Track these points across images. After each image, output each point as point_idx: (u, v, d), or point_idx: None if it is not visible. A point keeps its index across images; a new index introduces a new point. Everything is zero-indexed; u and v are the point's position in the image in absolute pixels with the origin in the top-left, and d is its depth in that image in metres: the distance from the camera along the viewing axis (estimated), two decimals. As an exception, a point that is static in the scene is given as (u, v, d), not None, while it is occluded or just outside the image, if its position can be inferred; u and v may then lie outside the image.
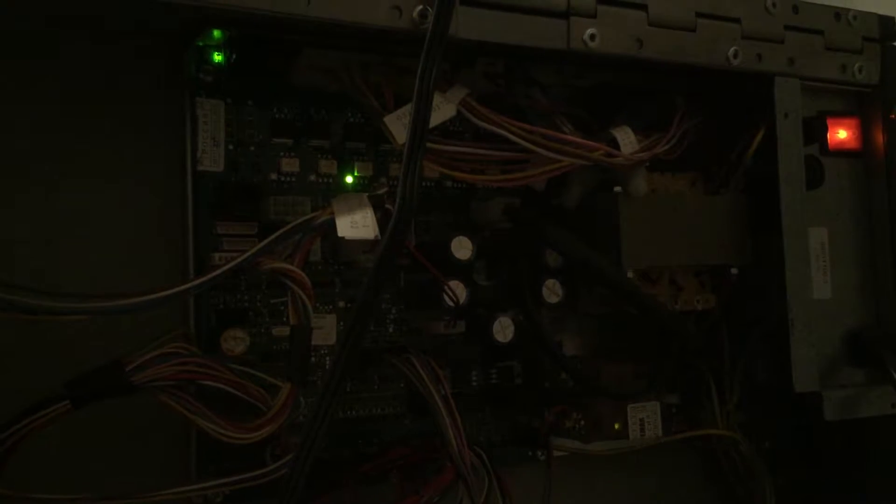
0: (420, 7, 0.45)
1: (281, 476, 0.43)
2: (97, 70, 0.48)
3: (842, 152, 0.63)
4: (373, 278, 0.40)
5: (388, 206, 0.46)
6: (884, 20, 0.62)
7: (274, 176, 0.50)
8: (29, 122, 0.46)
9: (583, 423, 0.59)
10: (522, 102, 0.55)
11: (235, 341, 0.47)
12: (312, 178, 0.52)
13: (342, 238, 0.43)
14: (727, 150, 0.60)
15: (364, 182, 0.53)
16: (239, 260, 0.41)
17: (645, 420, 0.59)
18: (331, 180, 0.52)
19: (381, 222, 0.45)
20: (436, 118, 0.47)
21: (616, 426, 0.59)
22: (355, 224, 0.43)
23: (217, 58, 0.48)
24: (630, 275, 0.54)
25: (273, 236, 0.43)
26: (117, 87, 0.48)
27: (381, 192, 0.47)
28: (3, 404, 0.40)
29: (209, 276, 0.40)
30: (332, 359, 0.40)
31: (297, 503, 0.40)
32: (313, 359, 0.50)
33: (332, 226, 0.43)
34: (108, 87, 0.48)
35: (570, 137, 0.51)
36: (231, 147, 0.49)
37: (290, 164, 0.51)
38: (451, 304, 0.51)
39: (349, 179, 0.53)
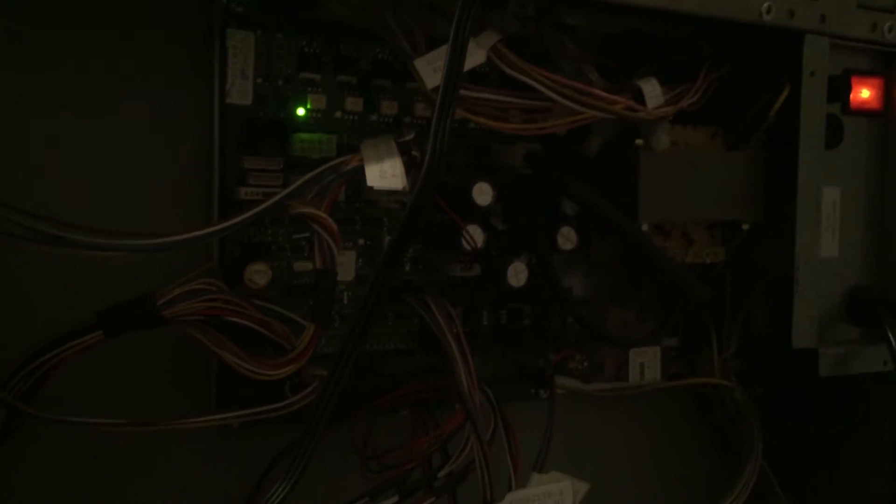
0: (457, -52, 0.44)
1: (301, 407, 0.45)
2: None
3: (863, 112, 0.63)
4: (401, 232, 0.41)
5: (414, 152, 0.47)
6: (922, -22, 0.61)
7: (301, 112, 0.50)
8: (56, 52, 0.46)
9: (585, 364, 0.61)
10: (551, 47, 0.55)
11: (259, 274, 0.48)
12: (338, 114, 0.52)
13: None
14: (750, 103, 0.60)
15: (389, 121, 0.53)
16: (269, 203, 0.42)
17: (645, 364, 0.61)
18: (356, 118, 0.52)
19: (407, 167, 0.46)
20: (466, 64, 0.47)
21: (617, 369, 0.61)
22: (384, 174, 0.43)
23: (249, -11, 0.48)
24: (644, 227, 0.55)
25: (302, 180, 0.43)
26: (146, 17, 0.48)
27: (408, 137, 0.47)
28: (32, 332, 0.41)
29: (240, 217, 0.41)
30: (357, 307, 0.41)
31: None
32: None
33: (360, 173, 0.44)
34: (136, 17, 0.47)
35: (594, 90, 0.51)
36: (259, 80, 0.49)
37: (316, 101, 0.51)
38: (468, 248, 0.52)
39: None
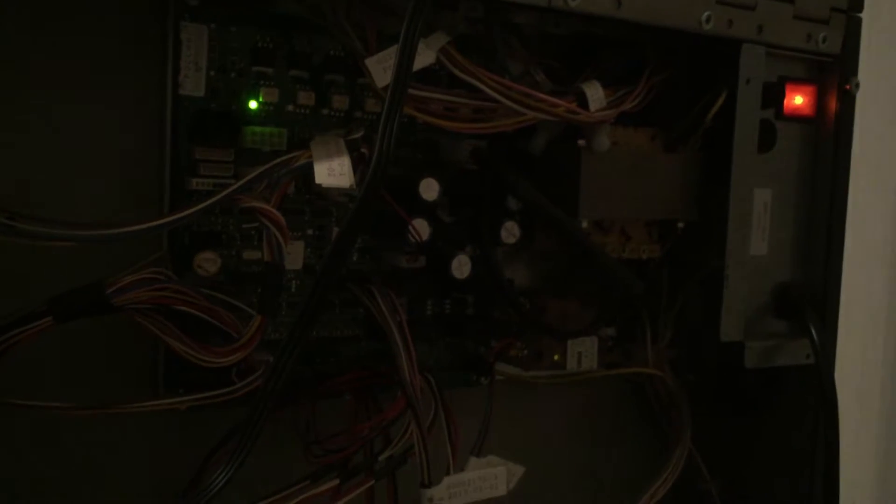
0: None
1: (247, 392, 0.47)
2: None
3: (796, 118, 0.66)
4: (348, 227, 0.42)
5: (363, 149, 0.48)
6: (854, -10, 0.64)
7: (253, 104, 0.52)
8: (8, 39, 0.46)
9: (525, 352, 0.64)
10: (499, 48, 0.57)
11: (208, 262, 0.49)
12: (290, 108, 0.53)
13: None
14: (689, 107, 0.63)
15: (340, 115, 0.55)
16: (219, 196, 0.43)
17: (582, 353, 0.64)
18: (308, 111, 0.54)
19: (355, 164, 0.48)
20: (415, 64, 0.48)
21: (556, 358, 0.64)
22: (332, 172, 0.45)
23: (204, -18, 0.49)
24: (584, 225, 0.57)
25: (254, 174, 0.45)
26: (100, 8, 0.48)
27: (356, 135, 0.48)
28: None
29: (191, 210, 0.43)
30: (304, 300, 0.43)
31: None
32: (279, 282, 0.53)
33: (310, 170, 0.45)
34: (90, 7, 0.48)
35: (537, 93, 0.53)
36: (212, 73, 0.50)
37: (269, 94, 0.52)
38: (414, 241, 0.53)
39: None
